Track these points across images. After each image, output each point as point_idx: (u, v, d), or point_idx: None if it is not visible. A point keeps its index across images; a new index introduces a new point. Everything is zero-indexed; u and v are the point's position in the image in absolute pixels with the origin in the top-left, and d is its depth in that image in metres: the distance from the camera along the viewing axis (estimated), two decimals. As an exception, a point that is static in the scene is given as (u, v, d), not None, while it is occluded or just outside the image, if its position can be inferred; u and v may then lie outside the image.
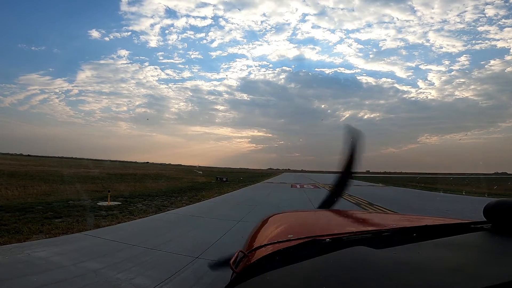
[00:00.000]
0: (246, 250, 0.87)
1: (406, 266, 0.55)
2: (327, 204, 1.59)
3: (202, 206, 9.13)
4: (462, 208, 10.34)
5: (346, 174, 1.53)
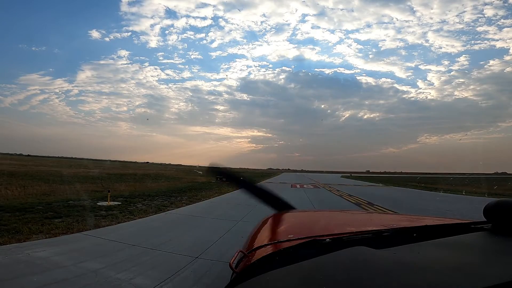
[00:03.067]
0: (246, 250, 0.87)
1: (406, 266, 0.55)
2: (284, 207, 1.57)
3: (202, 206, 9.13)
4: (462, 208, 10.33)
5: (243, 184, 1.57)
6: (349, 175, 78.74)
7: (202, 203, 9.83)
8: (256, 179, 32.29)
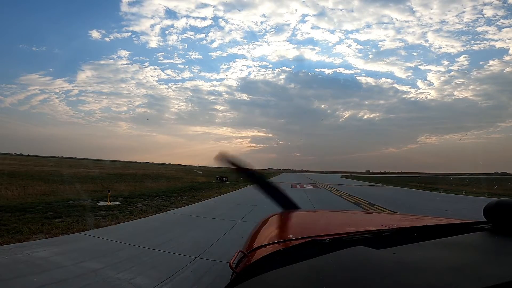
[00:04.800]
0: (246, 250, 0.87)
1: (406, 266, 0.55)
2: (289, 206, 1.58)
3: (202, 206, 9.13)
4: (462, 208, 10.34)
5: (255, 177, 1.55)
6: (349, 175, 78.75)
7: (202, 203, 9.83)
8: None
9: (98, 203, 8.19)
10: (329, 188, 19.22)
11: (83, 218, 6.04)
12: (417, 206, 11.11)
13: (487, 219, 0.81)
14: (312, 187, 20.23)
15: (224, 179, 23.69)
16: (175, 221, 6.45)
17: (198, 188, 15.86)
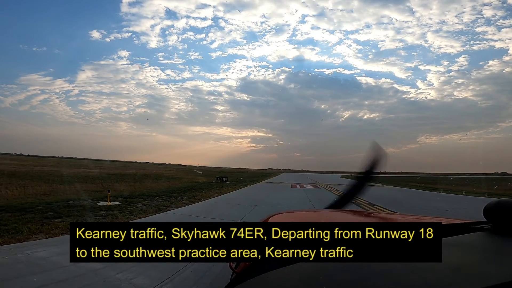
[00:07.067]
0: None
1: (406, 266, 0.55)
2: (338, 205, 1.53)
3: (202, 206, 9.13)
4: (462, 208, 10.34)
5: (365, 178, 1.46)
6: (349, 175, 78.67)
7: (202, 203, 9.83)
8: (256, 179, 32.19)
9: (98, 203, 8.20)
10: (329, 188, 19.22)
11: (83, 218, 6.05)
12: (417, 206, 11.12)
13: (487, 219, 0.80)
14: (312, 187, 20.23)
15: (224, 179, 23.69)
16: (175, 221, 6.45)
17: (198, 188, 15.86)
